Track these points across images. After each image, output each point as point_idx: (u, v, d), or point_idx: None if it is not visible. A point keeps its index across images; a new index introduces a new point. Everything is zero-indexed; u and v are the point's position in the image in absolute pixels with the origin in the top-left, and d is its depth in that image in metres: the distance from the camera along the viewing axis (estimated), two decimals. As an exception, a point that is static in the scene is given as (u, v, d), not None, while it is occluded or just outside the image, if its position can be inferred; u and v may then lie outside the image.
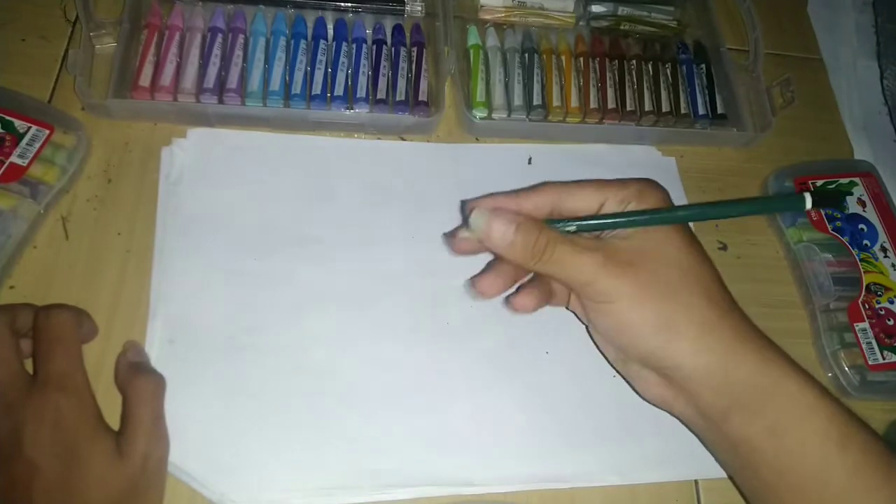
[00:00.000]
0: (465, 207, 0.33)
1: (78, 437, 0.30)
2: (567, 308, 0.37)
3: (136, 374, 0.34)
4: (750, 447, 0.31)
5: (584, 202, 0.32)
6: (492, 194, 0.34)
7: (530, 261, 0.31)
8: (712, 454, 0.35)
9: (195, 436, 0.35)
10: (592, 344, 0.40)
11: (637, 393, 0.35)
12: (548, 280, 0.35)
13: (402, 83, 0.46)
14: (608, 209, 0.32)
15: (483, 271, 0.36)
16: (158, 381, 0.34)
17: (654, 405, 0.35)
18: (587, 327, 0.37)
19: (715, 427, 0.32)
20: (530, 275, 0.36)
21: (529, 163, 0.47)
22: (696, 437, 0.35)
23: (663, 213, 0.32)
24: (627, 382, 0.36)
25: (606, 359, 0.36)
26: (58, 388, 0.30)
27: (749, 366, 0.30)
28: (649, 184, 0.33)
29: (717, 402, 0.31)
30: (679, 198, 0.48)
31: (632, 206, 0.32)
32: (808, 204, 0.30)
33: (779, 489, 0.31)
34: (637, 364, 0.34)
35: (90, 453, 0.30)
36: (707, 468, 0.39)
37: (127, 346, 0.36)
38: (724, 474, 0.39)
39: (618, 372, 0.36)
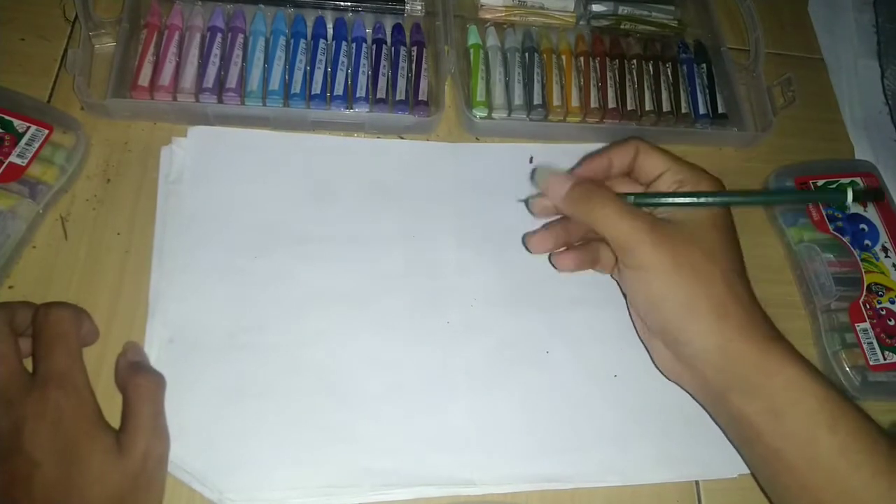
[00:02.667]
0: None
1: (78, 434, 0.30)
2: (612, 276, 0.41)
3: (136, 373, 0.34)
4: (748, 424, 0.33)
5: (652, 166, 0.36)
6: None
7: (583, 212, 0.35)
8: (719, 427, 0.37)
9: (194, 435, 0.34)
10: (592, 345, 0.40)
11: (654, 364, 0.38)
12: (596, 247, 0.40)
13: (401, 82, 0.46)
14: (665, 181, 0.36)
15: (538, 229, 0.39)
16: (158, 380, 0.35)
17: (667, 378, 0.37)
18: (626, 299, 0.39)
19: (718, 403, 0.35)
20: (580, 242, 0.40)
21: (531, 162, 0.47)
22: (705, 410, 0.37)
23: (710, 197, 0.35)
24: (648, 353, 0.38)
25: (636, 330, 0.39)
26: (57, 385, 0.30)
27: (752, 351, 0.33)
28: (705, 173, 0.36)
29: (718, 381, 0.34)
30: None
31: (685, 189, 0.35)
32: (850, 198, 0.32)
33: (774, 465, 0.33)
34: (657, 338, 0.36)
35: (90, 451, 0.30)
36: (708, 469, 0.39)
37: (127, 347, 0.36)
38: (724, 475, 0.39)
39: (641, 342, 0.39)
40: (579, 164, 0.39)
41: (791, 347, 0.34)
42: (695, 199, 0.35)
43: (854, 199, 0.32)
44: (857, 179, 0.49)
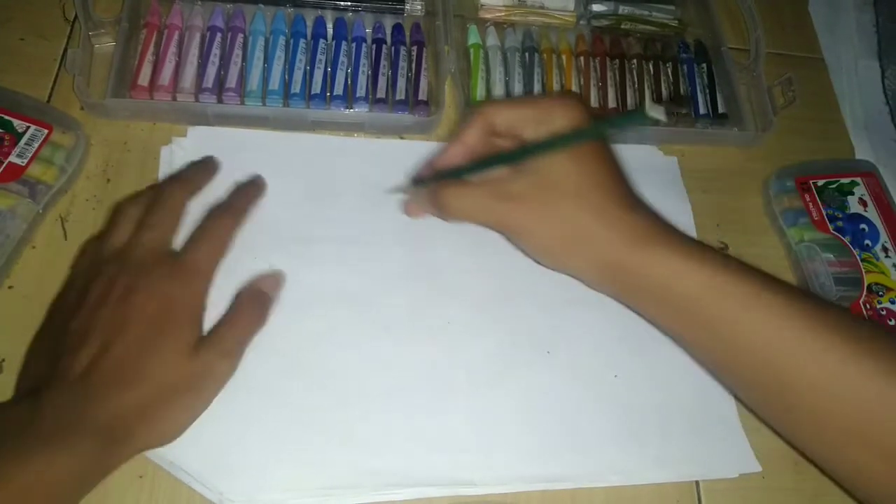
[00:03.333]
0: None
1: (170, 320, 0.32)
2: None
3: (252, 300, 0.36)
4: (663, 326, 0.36)
5: (506, 117, 0.35)
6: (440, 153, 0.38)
7: (450, 216, 0.37)
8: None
9: (194, 435, 0.34)
10: (593, 345, 0.40)
11: None
12: None
13: (401, 82, 0.46)
14: (528, 122, 0.35)
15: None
16: (262, 317, 0.36)
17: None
18: None
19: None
20: None
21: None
22: None
23: (508, 155, 0.35)
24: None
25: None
26: (182, 274, 0.34)
27: (628, 263, 0.34)
28: (561, 104, 0.34)
29: (615, 295, 0.37)
30: (681, 197, 0.48)
31: (542, 131, 0.34)
32: (661, 115, 0.31)
33: (710, 344, 0.35)
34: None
35: (170, 338, 0.32)
36: (708, 469, 0.39)
37: (275, 275, 0.38)
38: (725, 475, 0.39)
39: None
40: (427, 160, 0.39)
41: (671, 240, 0.34)
42: (510, 156, 0.35)
43: (660, 113, 0.31)
44: (857, 179, 0.49)
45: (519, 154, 0.34)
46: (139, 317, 0.32)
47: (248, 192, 0.40)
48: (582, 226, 0.34)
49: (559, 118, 0.34)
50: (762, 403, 0.35)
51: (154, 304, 0.32)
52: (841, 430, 0.31)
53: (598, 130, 0.33)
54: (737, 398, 0.39)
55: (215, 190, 0.41)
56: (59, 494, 0.29)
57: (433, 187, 0.37)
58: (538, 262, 0.37)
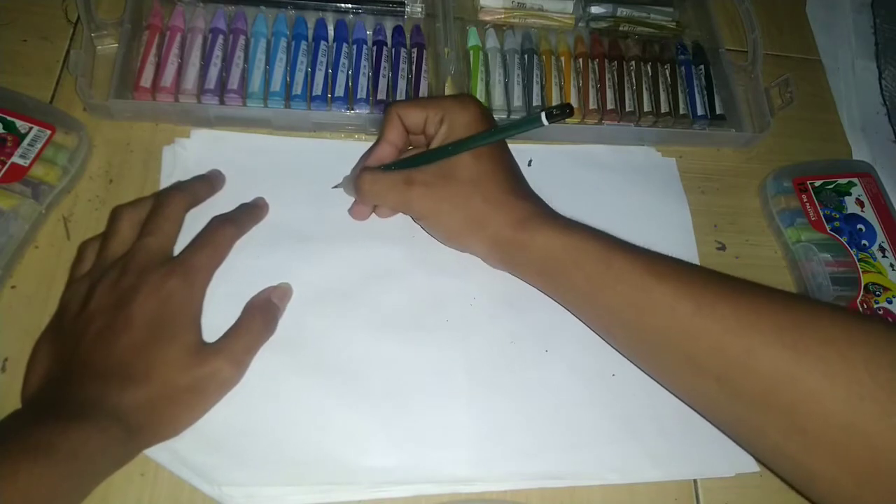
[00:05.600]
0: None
1: (173, 320, 0.33)
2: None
3: (262, 311, 0.37)
4: (542, 291, 0.40)
5: (415, 123, 0.39)
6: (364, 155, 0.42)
7: (370, 199, 0.41)
8: None
9: (195, 432, 0.35)
10: (591, 344, 0.40)
11: None
12: None
13: (402, 84, 0.46)
14: (432, 122, 0.39)
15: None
16: (270, 329, 0.37)
17: None
18: None
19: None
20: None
21: (529, 165, 0.47)
22: None
23: (428, 155, 0.38)
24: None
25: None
26: (183, 275, 0.34)
27: (511, 240, 0.38)
28: (458, 104, 0.39)
29: (509, 270, 0.41)
30: (678, 198, 0.48)
31: (443, 129, 0.38)
32: (545, 120, 0.34)
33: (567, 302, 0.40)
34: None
35: (174, 338, 0.33)
36: (706, 468, 0.39)
37: (282, 287, 0.39)
38: (723, 474, 0.39)
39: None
40: (363, 158, 0.42)
41: (549, 221, 0.38)
42: (424, 158, 0.38)
43: (549, 120, 0.34)
44: (854, 180, 0.49)
45: (429, 156, 0.38)
46: (141, 316, 0.33)
47: (252, 210, 0.41)
48: (477, 210, 0.38)
49: (457, 116, 0.38)
50: (631, 352, 0.39)
51: (153, 302, 0.33)
52: (677, 357, 0.35)
53: (492, 137, 0.37)
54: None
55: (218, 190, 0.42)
56: (94, 471, 0.30)
57: (354, 174, 0.41)
58: (443, 244, 0.41)
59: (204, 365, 0.33)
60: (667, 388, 0.38)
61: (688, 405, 0.37)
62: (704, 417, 0.37)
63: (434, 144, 0.39)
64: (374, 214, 0.43)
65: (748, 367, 0.32)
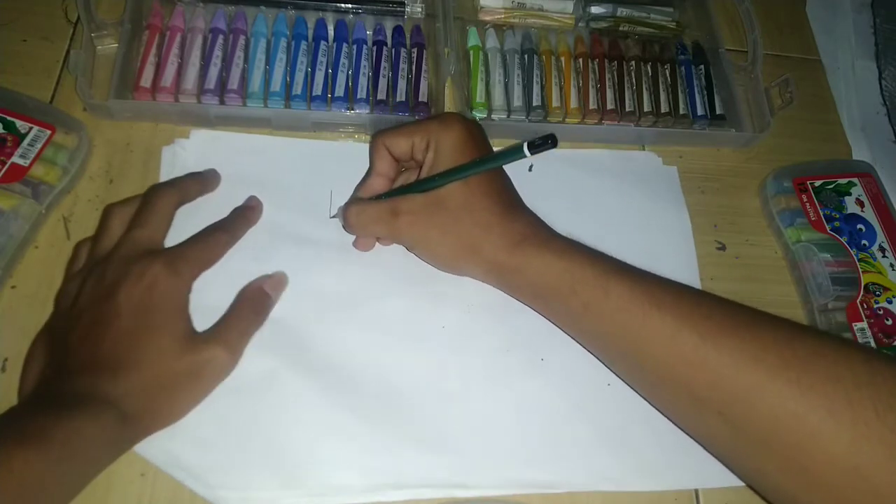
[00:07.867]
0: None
1: (161, 309, 0.33)
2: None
3: (255, 300, 0.37)
4: (538, 312, 0.40)
5: (401, 148, 0.39)
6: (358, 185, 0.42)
7: (361, 231, 0.41)
8: None
9: (190, 433, 0.35)
10: (587, 353, 0.40)
11: None
12: None
13: (402, 84, 0.46)
14: (418, 149, 0.39)
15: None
16: (262, 318, 0.38)
17: None
18: None
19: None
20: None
21: (530, 170, 0.47)
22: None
23: (418, 186, 0.38)
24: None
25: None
26: (168, 264, 0.34)
27: (505, 264, 0.37)
28: (442, 127, 0.38)
29: (506, 292, 0.40)
30: (678, 201, 0.48)
31: (430, 153, 0.38)
32: (527, 151, 0.34)
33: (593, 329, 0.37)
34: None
35: (163, 327, 0.33)
36: (705, 477, 0.38)
37: (276, 276, 0.39)
38: (724, 484, 0.38)
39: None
40: (356, 190, 0.42)
41: (543, 241, 0.37)
42: (411, 189, 0.38)
43: (531, 151, 0.34)
44: (854, 180, 0.49)
45: (415, 187, 0.38)
46: (127, 304, 0.33)
47: (244, 213, 0.41)
48: (468, 234, 0.37)
49: (442, 139, 0.38)
50: (631, 380, 0.38)
51: (138, 289, 0.33)
52: (680, 390, 0.34)
53: (476, 169, 0.37)
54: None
55: (216, 192, 0.42)
56: (90, 459, 0.30)
57: (343, 206, 0.41)
58: (439, 270, 0.40)
59: (198, 352, 0.34)
60: (666, 417, 0.37)
61: (687, 434, 0.37)
62: (703, 448, 0.36)
63: (424, 170, 0.38)
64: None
65: (751, 402, 0.31)
